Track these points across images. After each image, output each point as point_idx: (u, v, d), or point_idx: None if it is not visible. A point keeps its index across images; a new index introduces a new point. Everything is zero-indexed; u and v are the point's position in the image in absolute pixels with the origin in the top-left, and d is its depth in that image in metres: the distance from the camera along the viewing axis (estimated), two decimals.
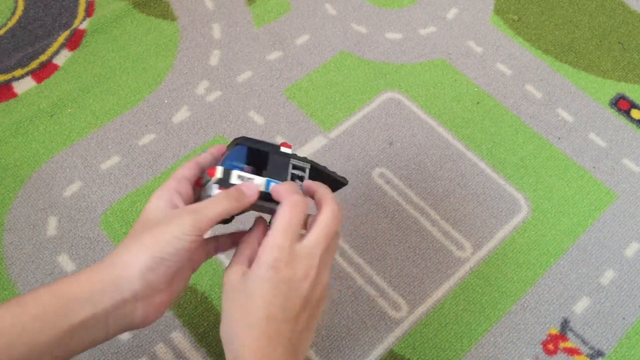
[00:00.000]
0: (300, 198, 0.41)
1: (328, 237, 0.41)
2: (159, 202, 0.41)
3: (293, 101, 0.71)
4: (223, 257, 0.60)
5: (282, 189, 0.42)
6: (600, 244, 0.64)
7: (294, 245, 0.40)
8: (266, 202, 0.44)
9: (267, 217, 0.45)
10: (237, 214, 0.43)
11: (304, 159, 0.46)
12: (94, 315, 0.37)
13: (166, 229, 0.38)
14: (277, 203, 0.42)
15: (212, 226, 0.40)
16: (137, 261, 0.38)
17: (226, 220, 0.45)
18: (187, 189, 0.43)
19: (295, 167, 0.45)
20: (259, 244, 0.41)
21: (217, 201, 0.41)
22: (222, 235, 0.47)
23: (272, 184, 0.43)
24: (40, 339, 0.35)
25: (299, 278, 0.39)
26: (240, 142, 0.44)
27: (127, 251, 0.38)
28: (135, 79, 0.71)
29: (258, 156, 0.44)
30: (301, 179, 0.45)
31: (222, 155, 0.45)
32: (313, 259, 0.40)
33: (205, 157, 0.46)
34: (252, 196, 0.42)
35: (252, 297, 0.38)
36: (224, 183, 0.42)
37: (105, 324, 0.37)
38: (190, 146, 0.67)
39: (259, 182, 0.43)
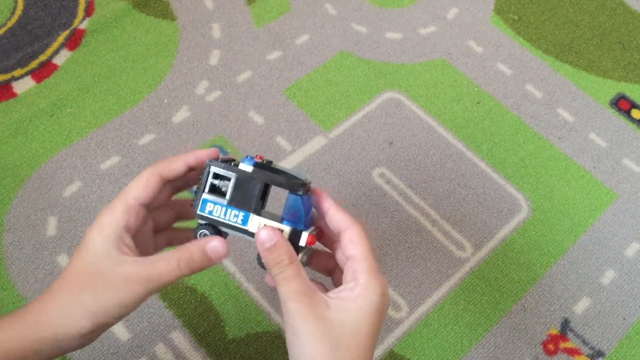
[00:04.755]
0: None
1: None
2: (104, 243, 0.36)
3: (293, 101, 0.71)
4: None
5: (340, 213, 0.38)
6: (601, 244, 0.64)
7: None
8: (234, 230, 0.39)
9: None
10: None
11: (229, 167, 0.39)
12: None
13: (112, 295, 0.35)
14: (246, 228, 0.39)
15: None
16: (78, 326, 0.35)
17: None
18: (137, 217, 0.37)
19: (217, 176, 0.39)
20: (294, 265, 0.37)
21: (174, 269, 0.36)
22: (178, 232, 0.44)
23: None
24: None
25: (387, 297, 0.36)
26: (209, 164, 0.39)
27: (67, 310, 0.35)
28: (135, 79, 0.71)
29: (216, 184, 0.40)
30: (220, 192, 0.40)
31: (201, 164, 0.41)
32: None
33: (174, 167, 0.39)
34: (217, 259, 0.38)
35: (357, 332, 0.34)
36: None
37: None
38: (190, 146, 0.66)
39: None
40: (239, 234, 0.40)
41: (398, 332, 0.57)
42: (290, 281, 0.35)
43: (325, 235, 0.42)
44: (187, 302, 0.57)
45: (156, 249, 0.43)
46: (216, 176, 0.40)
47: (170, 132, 0.67)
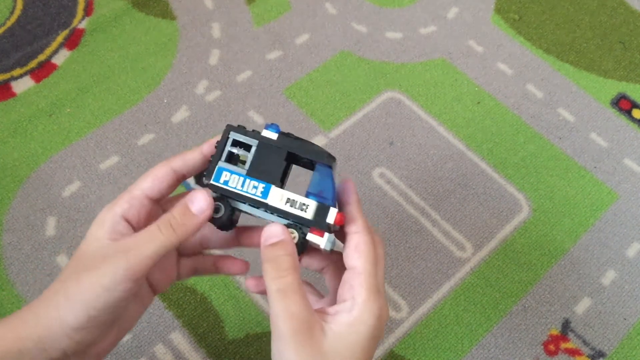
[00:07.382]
0: (371, 232, 0.34)
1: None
2: (98, 231, 0.34)
3: (293, 101, 0.70)
4: None
5: (354, 211, 0.35)
6: (602, 244, 0.64)
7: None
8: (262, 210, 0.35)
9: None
10: (226, 226, 0.36)
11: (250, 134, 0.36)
12: None
13: (93, 277, 0.32)
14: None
15: (151, 266, 0.32)
16: (60, 320, 0.32)
17: (225, 227, 0.36)
18: (141, 208, 0.35)
19: (236, 143, 0.36)
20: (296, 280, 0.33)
21: (153, 234, 0.32)
22: (204, 257, 0.41)
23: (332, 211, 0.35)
24: None
25: (384, 321, 0.33)
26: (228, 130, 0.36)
27: (54, 302, 0.32)
28: (135, 79, 0.71)
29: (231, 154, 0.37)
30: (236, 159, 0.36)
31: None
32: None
33: (189, 157, 0.36)
34: (202, 213, 0.34)
35: (351, 356, 0.31)
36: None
37: None
38: (189, 146, 0.66)
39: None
40: (256, 213, 0.36)
41: (398, 332, 0.57)
42: (289, 298, 0.31)
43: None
44: (186, 302, 0.57)
45: (179, 277, 0.40)
46: (235, 144, 0.36)
47: (169, 132, 0.67)
